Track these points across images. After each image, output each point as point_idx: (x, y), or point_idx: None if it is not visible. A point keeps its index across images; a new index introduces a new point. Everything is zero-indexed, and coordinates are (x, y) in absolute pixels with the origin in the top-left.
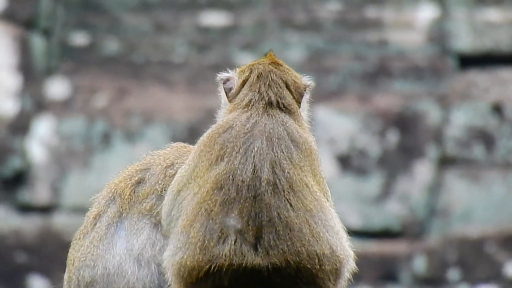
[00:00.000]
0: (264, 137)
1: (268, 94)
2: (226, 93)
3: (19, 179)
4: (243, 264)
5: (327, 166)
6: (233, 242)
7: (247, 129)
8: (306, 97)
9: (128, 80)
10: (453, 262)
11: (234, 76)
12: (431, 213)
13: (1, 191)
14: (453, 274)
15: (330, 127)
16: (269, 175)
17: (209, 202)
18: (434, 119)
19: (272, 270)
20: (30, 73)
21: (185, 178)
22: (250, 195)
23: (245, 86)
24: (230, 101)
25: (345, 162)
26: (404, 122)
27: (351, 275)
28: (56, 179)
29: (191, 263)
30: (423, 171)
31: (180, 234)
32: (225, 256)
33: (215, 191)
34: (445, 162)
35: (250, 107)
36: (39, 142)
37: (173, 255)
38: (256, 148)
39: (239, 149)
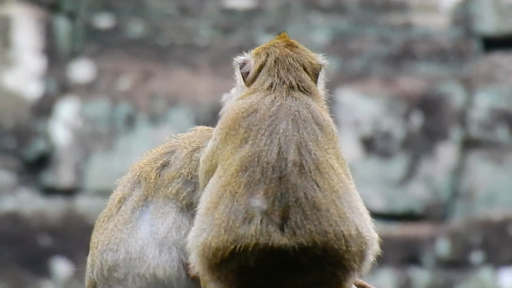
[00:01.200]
0: (290, 119)
1: (288, 79)
2: (243, 77)
3: (43, 161)
4: (269, 244)
5: (351, 149)
6: (259, 222)
7: (272, 111)
8: (322, 76)
9: (152, 62)
10: (476, 245)
11: (250, 59)
12: (455, 196)
13: (25, 173)
14: (476, 256)
15: (354, 110)
16: (295, 156)
17: (234, 184)
18: (458, 102)
19: (299, 250)
20: (55, 56)
21: (211, 162)
22: (275, 176)
23: (263, 70)
24: (247, 85)
25: (369, 144)
26: (428, 104)
27: (375, 258)
28: (80, 161)
29: (216, 244)
30: (447, 153)
31: (205, 216)
32: (251, 236)
33: (240, 173)
34: (469, 145)
35: (272, 90)
36: (63, 124)
37: (197, 236)
38: (281, 130)
39: (264, 131)
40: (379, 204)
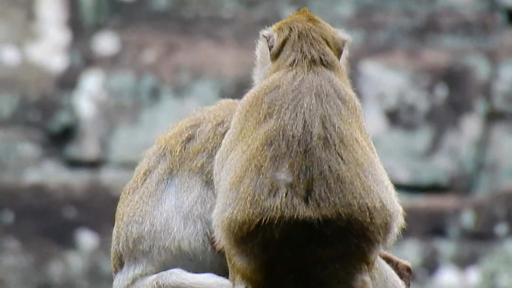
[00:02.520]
0: (313, 93)
1: (311, 53)
2: (270, 50)
3: (68, 134)
4: (294, 217)
5: (375, 122)
6: (284, 195)
7: (295, 86)
8: (346, 52)
9: (177, 35)
10: (501, 217)
11: (273, 34)
12: (479, 168)
13: (50, 146)
14: (501, 228)
15: (378, 83)
16: (319, 130)
17: (259, 158)
18: (483, 74)
19: (323, 223)
20: (79, 29)
21: (233, 140)
22: (301, 149)
23: (286, 45)
24: (272, 59)
25: (394, 117)
26: (453, 77)
27: (399, 231)
28: (104, 134)
29: (241, 218)
30: (471, 126)
31: (229, 191)
32: (276, 209)
33: (265, 147)
34: (493, 117)
35: (294, 66)
36: (88, 97)
37: (222, 212)
38: (305, 104)
39: (288, 105)
40: (404, 177)
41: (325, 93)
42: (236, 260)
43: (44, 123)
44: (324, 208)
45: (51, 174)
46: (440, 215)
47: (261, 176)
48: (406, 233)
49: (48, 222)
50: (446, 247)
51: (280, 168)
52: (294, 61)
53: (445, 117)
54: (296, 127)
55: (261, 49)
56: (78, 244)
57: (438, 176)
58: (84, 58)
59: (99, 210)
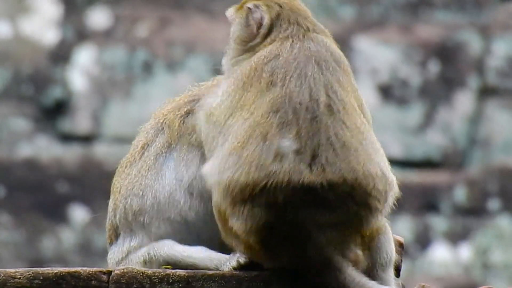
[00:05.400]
0: (313, 61)
1: (305, 24)
2: (257, 27)
3: (60, 108)
4: (300, 181)
5: (368, 96)
6: (291, 160)
7: (295, 54)
8: None
9: (170, 10)
10: (493, 192)
11: (259, 10)
12: (472, 143)
13: (42, 120)
14: (493, 204)
15: (371, 58)
16: (324, 98)
17: (265, 125)
18: (476, 50)
19: (328, 187)
20: (72, 3)
21: (231, 107)
22: (308, 116)
23: (281, 19)
24: (263, 36)
25: (387, 92)
26: (446, 52)
27: (394, 202)
28: (97, 108)
29: (244, 180)
30: (464, 101)
31: (229, 156)
32: (283, 173)
33: (270, 114)
34: (486, 92)
35: (291, 36)
36: (80, 71)
37: (220, 174)
38: (309, 73)
39: (292, 74)
40: (397, 151)
41: (323, 59)
42: (232, 222)
43: (37, 97)
44: (330, 173)
45: (43, 149)
46: (432, 191)
47: (267, 142)
48: (398, 208)
49: (40, 196)
50: (439, 223)
51: (287, 134)
52: (291, 32)
53: (438, 92)
54: (302, 95)
55: (242, 25)
56: (70, 218)
57: (430, 152)
58: (77, 32)
59: (91, 184)
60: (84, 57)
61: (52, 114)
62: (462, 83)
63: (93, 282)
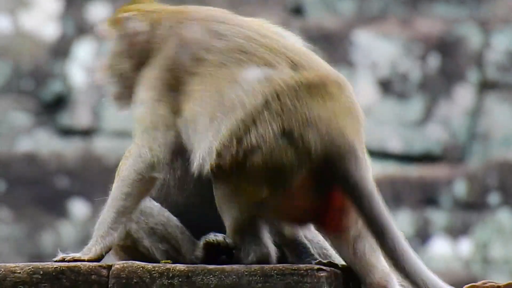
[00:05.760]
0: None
1: (180, 16)
2: (137, 34)
3: (60, 103)
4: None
5: (368, 91)
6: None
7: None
8: None
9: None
10: (493, 186)
11: (137, 20)
12: (472, 137)
13: (42, 115)
14: (493, 198)
15: (371, 52)
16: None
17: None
18: (475, 44)
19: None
20: None
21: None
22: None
23: (157, 23)
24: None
25: (387, 86)
26: (445, 46)
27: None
28: (97, 103)
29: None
30: (463, 95)
31: (210, 124)
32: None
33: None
34: (485, 87)
35: (171, 28)
36: (80, 66)
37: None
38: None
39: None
40: (397, 146)
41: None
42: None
43: (37, 91)
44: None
45: (43, 143)
46: (432, 185)
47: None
48: (398, 202)
49: (40, 191)
50: (438, 217)
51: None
52: (171, 26)
53: (437, 87)
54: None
55: (122, 38)
56: (70, 213)
57: (430, 146)
58: (77, 27)
59: (91, 179)
60: (84, 52)
61: (52, 108)
62: (462, 77)
63: (93, 276)
